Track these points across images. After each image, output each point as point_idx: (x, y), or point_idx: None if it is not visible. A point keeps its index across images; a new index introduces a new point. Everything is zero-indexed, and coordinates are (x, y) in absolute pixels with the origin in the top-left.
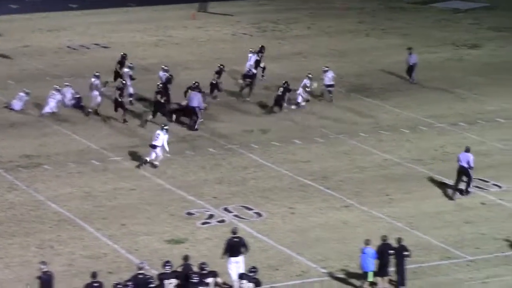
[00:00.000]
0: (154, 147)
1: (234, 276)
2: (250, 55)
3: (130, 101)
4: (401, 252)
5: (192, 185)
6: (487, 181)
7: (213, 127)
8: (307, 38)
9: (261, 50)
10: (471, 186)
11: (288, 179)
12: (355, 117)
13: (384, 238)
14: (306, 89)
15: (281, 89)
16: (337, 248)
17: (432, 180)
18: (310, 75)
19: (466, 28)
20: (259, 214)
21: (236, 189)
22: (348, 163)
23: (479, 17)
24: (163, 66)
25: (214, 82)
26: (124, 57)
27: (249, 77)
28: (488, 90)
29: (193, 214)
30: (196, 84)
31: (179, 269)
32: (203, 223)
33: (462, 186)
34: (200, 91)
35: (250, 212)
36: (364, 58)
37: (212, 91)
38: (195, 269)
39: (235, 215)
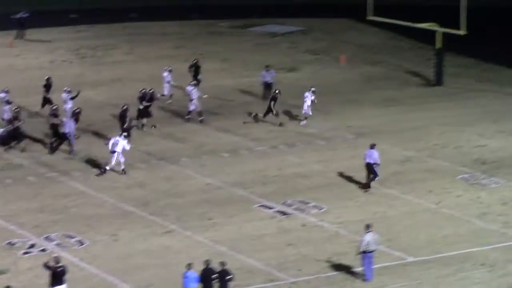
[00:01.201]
0: (114, 152)
1: None
2: (165, 74)
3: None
4: (224, 276)
5: (12, 214)
6: (307, 203)
7: (35, 155)
8: (126, 64)
9: (196, 64)
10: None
11: (110, 206)
12: (176, 142)
13: (207, 262)
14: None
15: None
16: (160, 274)
17: (254, 203)
18: (313, 89)
19: (284, 51)
20: (81, 242)
21: (58, 217)
22: (170, 188)
23: (296, 40)
24: (65, 88)
25: (141, 107)
26: (48, 79)
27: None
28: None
29: (14, 244)
30: (125, 107)
31: None
32: (25, 253)
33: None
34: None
35: (73, 240)
36: (185, 83)
37: (139, 117)
38: None
39: (57, 244)
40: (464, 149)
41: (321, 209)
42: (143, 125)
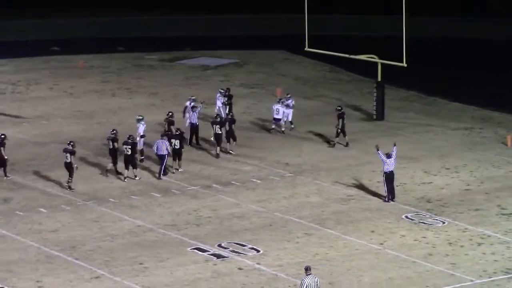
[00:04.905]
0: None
1: None
2: (218, 95)
3: None
4: None
5: None
6: (244, 245)
7: None
8: (50, 100)
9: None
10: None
11: (34, 250)
12: (104, 182)
13: None
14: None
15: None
16: None
17: (187, 246)
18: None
19: (217, 85)
20: None
21: None
22: (97, 231)
23: (229, 73)
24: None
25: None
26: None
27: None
28: (242, 150)
29: None
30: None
31: None
32: None
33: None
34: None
35: None
36: (111, 119)
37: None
38: None
39: None
40: (408, 187)
41: (258, 252)
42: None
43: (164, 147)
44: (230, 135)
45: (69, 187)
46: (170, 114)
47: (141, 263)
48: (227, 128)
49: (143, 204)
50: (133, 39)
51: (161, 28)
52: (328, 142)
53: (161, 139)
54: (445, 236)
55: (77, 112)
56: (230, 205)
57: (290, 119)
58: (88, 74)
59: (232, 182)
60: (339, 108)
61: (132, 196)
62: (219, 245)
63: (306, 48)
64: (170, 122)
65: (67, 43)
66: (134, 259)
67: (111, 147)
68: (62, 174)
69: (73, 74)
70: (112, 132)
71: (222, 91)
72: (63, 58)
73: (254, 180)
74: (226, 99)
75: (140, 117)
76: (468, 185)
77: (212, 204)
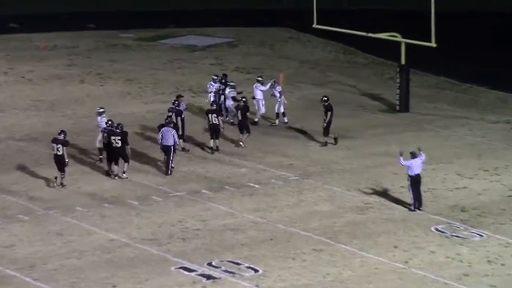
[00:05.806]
0: None
1: None
2: (210, 82)
3: None
4: None
5: None
6: (239, 264)
7: None
8: (4, 87)
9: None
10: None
11: None
12: (69, 187)
13: None
14: None
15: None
16: None
17: (171, 265)
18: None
19: (208, 69)
20: None
21: None
22: (61, 246)
23: (222, 55)
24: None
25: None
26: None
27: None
28: (237, 149)
29: None
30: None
31: None
32: None
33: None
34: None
35: None
36: (79, 110)
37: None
38: None
39: None
40: (439, 193)
41: (257, 271)
42: None
43: (170, 135)
44: (243, 126)
45: (61, 184)
46: (176, 103)
47: (114, 286)
48: (239, 117)
49: (117, 214)
50: (106, 14)
51: (139, 1)
52: (335, 139)
53: (167, 126)
54: (483, 252)
55: (37, 102)
56: (222, 215)
57: (281, 110)
58: (51, 55)
59: (225, 186)
60: (325, 99)
61: (104, 204)
62: (209, 264)
63: (315, 25)
64: (178, 112)
65: (27, 18)
66: (105, 280)
67: (106, 142)
68: (18, 177)
69: (33, 56)
70: (108, 124)
71: (216, 77)
72: (22, 36)
73: (251, 184)
74: (222, 86)
75: (102, 110)
76: (511, 190)
77: (201, 213)
